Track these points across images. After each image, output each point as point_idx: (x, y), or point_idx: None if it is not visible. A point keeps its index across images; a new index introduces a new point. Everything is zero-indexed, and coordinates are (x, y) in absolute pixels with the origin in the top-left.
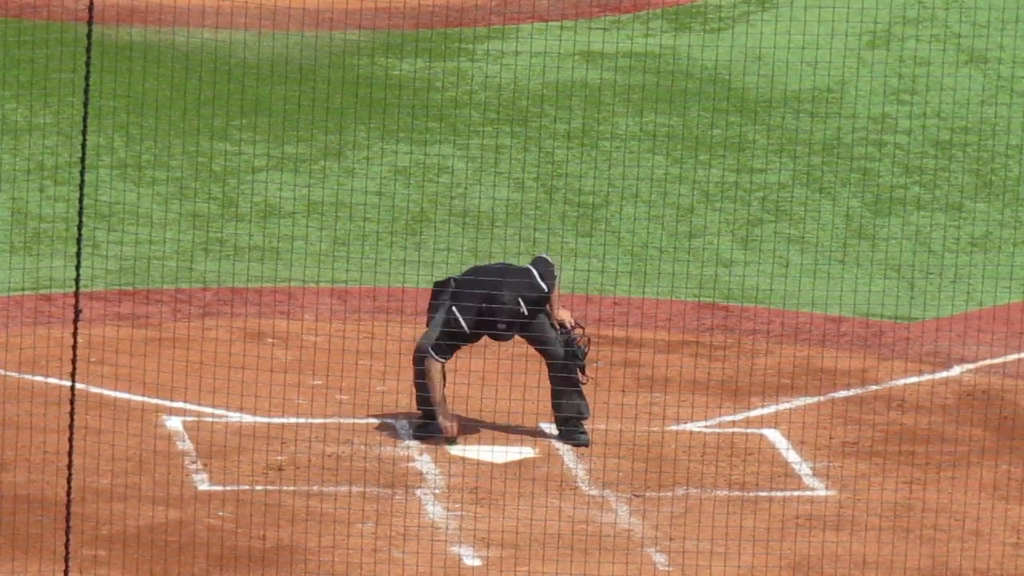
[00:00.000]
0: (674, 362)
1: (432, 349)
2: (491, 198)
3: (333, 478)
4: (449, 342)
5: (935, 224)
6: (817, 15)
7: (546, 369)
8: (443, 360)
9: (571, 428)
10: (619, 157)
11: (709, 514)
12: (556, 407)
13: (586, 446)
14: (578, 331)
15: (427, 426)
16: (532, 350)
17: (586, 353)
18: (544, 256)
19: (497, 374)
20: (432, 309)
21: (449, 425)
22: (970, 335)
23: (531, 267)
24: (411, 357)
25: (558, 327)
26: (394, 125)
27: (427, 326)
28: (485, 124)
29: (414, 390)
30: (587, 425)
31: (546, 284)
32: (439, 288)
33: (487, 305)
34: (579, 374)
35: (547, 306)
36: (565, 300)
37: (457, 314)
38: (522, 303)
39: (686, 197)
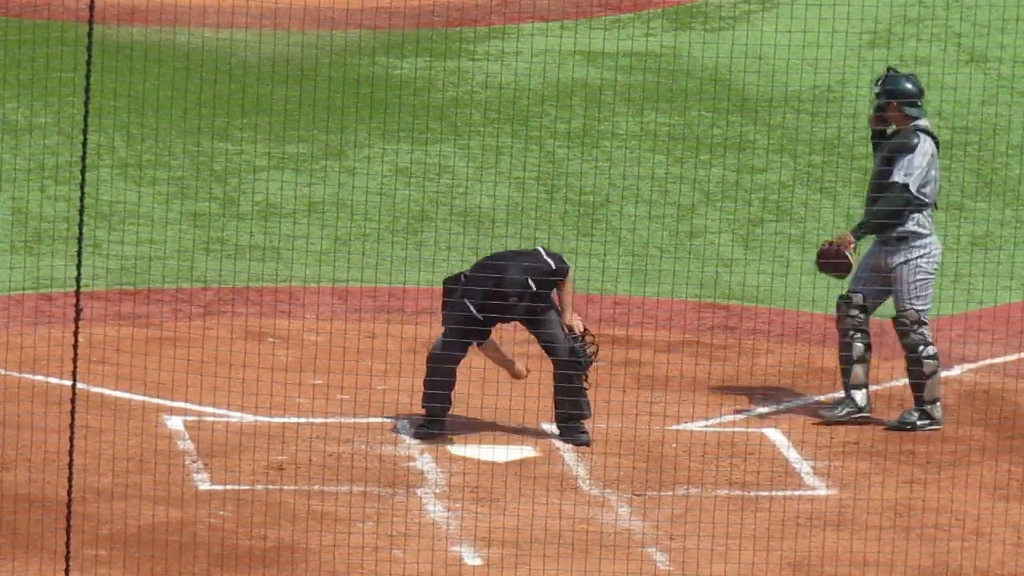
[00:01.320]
0: (674, 362)
1: (443, 344)
2: (492, 197)
3: (334, 477)
4: (462, 338)
5: (935, 224)
6: (818, 14)
7: (550, 366)
8: (456, 353)
9: (572, 426)
10: (620, 156)
11: (709, 513)
12: (558, 404)
13: (587, 445)
14: (588, 338)
15: (431, 424)
16: (534, 349)
17: (591, 361)
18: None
19: (498, 371)
20: (445, 307)
21: (522, 368)
22: (970, 335)
23: (539, 248)
24: (424, 357)
25: (567, 330)
26: (395, 125)
27: (443, 325)
28: (486, 124)
29: (423, 388)
30: (588, 424)
31: (552, 260)
32: (450, 285)
33: (495, 289)
34: (582, 379)
35: (557, 297)
36: None
37: (467, 302)
38: (530, 279)
39: (687, 196)
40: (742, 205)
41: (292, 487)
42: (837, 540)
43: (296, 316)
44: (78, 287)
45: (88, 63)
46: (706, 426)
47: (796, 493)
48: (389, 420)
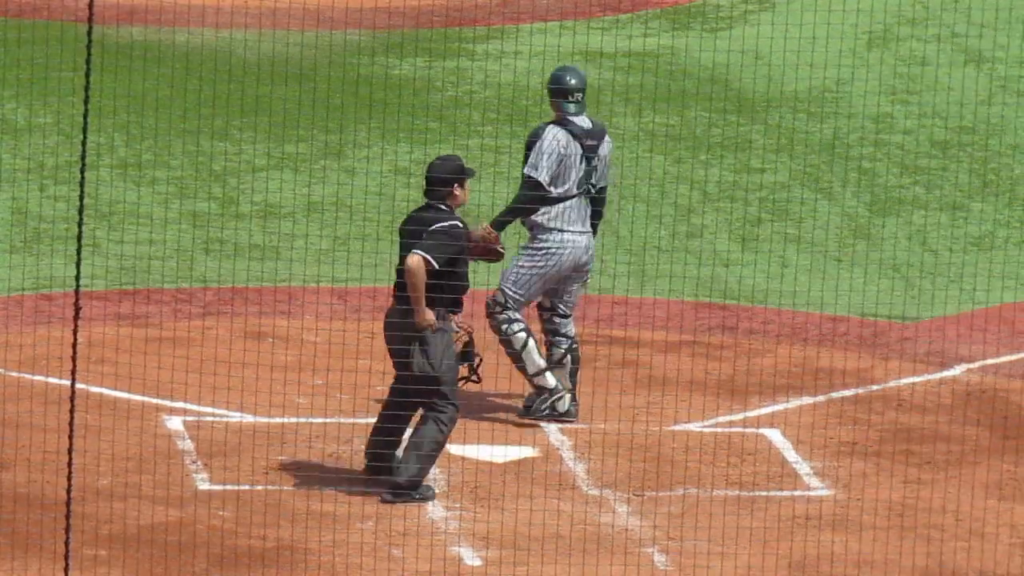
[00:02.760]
0: (674, 362)
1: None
2: (492, 197)
3: (333, 477)
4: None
5: (935, 224)
6: (816, 12)
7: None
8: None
9: (399, 493)
10: (619, 156)
11: (709, 513)
12: (377, 430)
13: (390, 503)
14: (464, 335)
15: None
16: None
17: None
18: None
19: (497, 366)
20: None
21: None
22: (970, 335)
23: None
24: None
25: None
26: (394, 125)
27: None
28: (485, 124)
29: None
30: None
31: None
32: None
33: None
34: (467, 376)
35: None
36: None
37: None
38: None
39: (686, 197)
40: (741, 205)
41: (292, 487)
42: (836, 540)
43: (296, 316)
44: (77, 287)
45: (88, 63)
46: (705, 426)
47: (795, 493)
48: None
